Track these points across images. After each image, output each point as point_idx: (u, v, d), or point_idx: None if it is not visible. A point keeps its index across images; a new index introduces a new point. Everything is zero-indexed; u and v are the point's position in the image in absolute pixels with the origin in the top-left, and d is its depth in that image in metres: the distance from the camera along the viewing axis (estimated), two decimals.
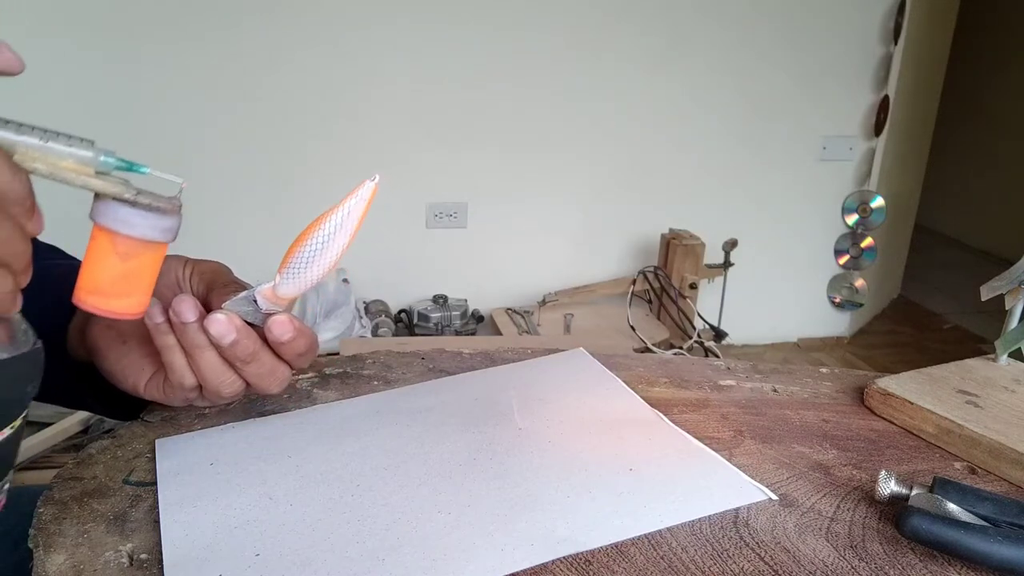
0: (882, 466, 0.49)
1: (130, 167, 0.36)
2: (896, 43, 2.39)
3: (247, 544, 0.39)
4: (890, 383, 0.57)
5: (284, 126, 2.13)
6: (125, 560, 0.39)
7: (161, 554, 0.39)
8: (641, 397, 0.57)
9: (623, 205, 2.42)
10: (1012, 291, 0.58)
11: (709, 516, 0.43)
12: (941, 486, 0.41)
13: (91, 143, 0.34)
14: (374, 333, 2.15)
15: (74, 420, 1.78)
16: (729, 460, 0.48)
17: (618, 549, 0.40)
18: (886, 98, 2.42)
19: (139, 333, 0.47)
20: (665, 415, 0.54)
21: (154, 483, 0.45)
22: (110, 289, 0.37)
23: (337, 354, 0.66)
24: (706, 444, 0.50)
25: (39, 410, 1.78)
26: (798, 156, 2.49)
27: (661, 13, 2.25)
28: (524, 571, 0.38)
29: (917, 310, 3.11)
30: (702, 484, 0.45)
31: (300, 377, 0.59)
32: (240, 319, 0.43)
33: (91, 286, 0.37)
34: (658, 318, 2.23)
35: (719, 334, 2.28)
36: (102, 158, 0.34)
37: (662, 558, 0.39)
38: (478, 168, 2.28)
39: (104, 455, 0.48)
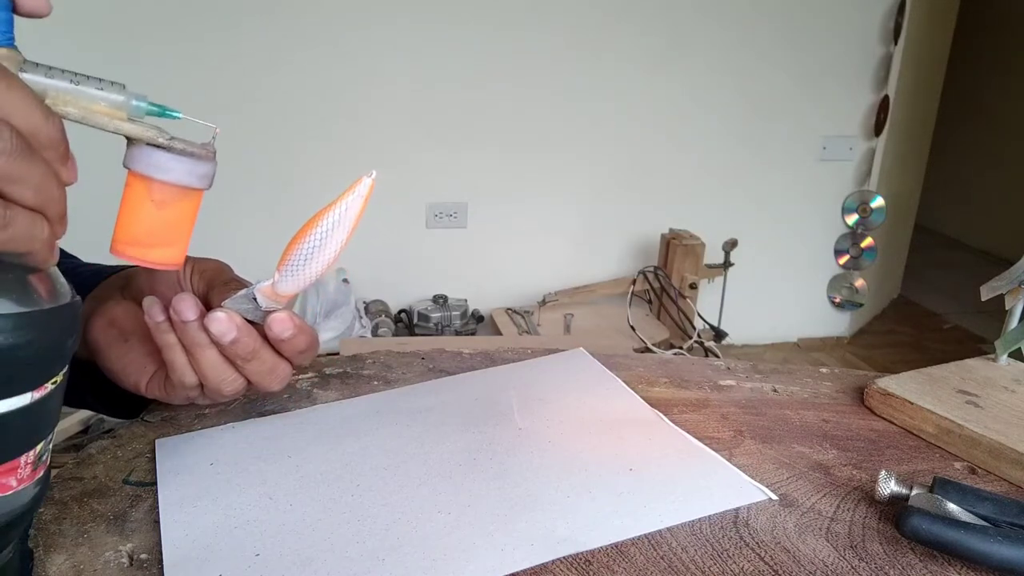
0: (882, 466, 0.49)
1: (162, 112, 0.35)
2: (896, 43, 2.39)
3: (247, 544, 0.39)
4: (890, 383, 0.57)
5: (284, 126, 2.13)
6: (125, 560, 0.39)
7: (161, 554, 0.39)
8: (641, 397, 0.57)
9: (623, 205, 2.42)
10: (1012, 291, 0.57)
11: (709, 516, 0.42)
12: (941, 486, 0.41)
13: (122, 87, 0.33)
14: (374, 333, 2.15)
15: (74, 420, 1.78)
16: (729, 460, 0.48)
17: (618, 549, 0.40)
18: (886, 98, 2.42)
19: (140, 332, 0.47)
20: (665, 415, 0.54)
21: (154, 483, 0.45)
22: (147, 239, 0.36)
23: (337, 354, 0.66)
24: (706, 444, 0.50)
25: None
26: (798, 156, 2.49)
27: (661, 13, 2.26)
28: (524, 571, 0.38)
29: (917, 310, 3.11)
30: (702, 484, 0.45)
31: (300, 377, 0.59)
32: (240, 317, 0.43)
33: (128, 237, 0.36)
34: (658, 318, 2.23)
35: (719, 334, 2.28)
36: (134, 102, 0.34)
37: (662, 558, 0.39)
38: (478, 168, 2.28)
39: (104, 455, 0.48)
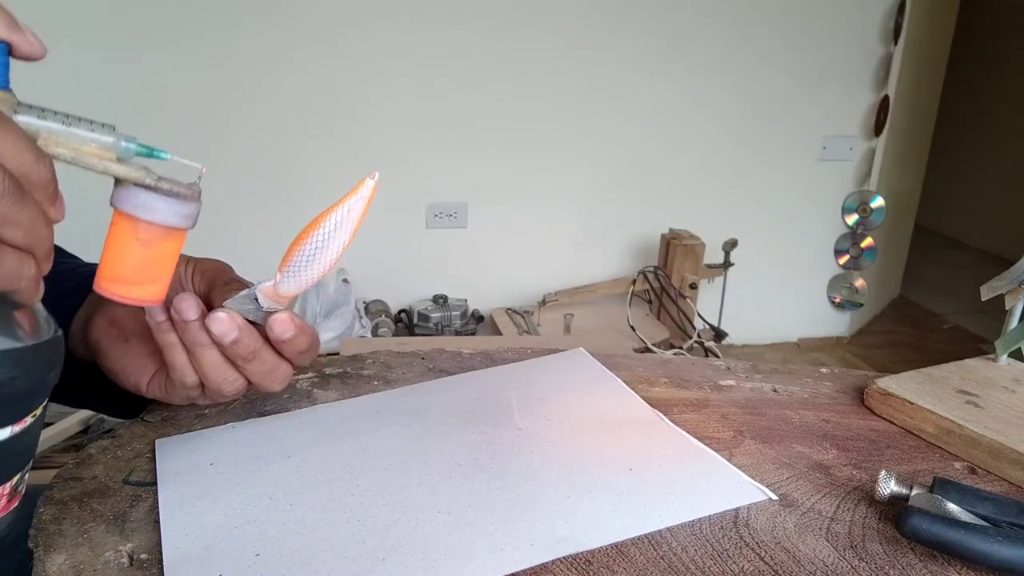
0: (882, 466, 0.49)
1: (150, 152, 0.36)
2: (896, 43, 2.39)
3: (247, 544, 0.39)
4: (890, 383, 0.57)
5: (284, 126, 2.13)
6: (125, 560, 0.39)
7: (161, 554, 0.39)
8: (641, 397, 0.57)
9: (623, 205, 2.42)
10: (1012, 291, 0.58)
11: (709, 516, 0.43)
12: (941, 486, 0.41)
13: (112, 128, 0.34)
14: (374, 333, 2.15)
15: (74, 420, 1.78)
16: (729, 460, 0.48)
17: (618, 549, 0.40)
18: (886, 98, 2.42)
19: (141, 331, 0.47)
20: (665, 415, 0.54)
21: (154, 483, 0.45)
22: (132, 277, 0.37)
23: (337, 354, 0.66)
24: (706, 444, 0.50)
25: None
26: (798, 156, 2.49)
27: (661, 13, 2.25)
28: (524, 571, 0.38)
29: (917, 310, 3.11)
30: (702, 484, 0.45)
31: (300, 377, 0.59)
32: (241, 317, 0.43)
33: (113, 274, 0.37)
34: (658, 318, 2.23)
35: (719, 334, 2.28)
36: (123, 143, 0.34)
37: (662, 558, 0.39)
38: (478, 168, 2.28)
39: (104, 455, 0.48)
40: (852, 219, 2.48)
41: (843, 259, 2.55)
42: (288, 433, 0.51)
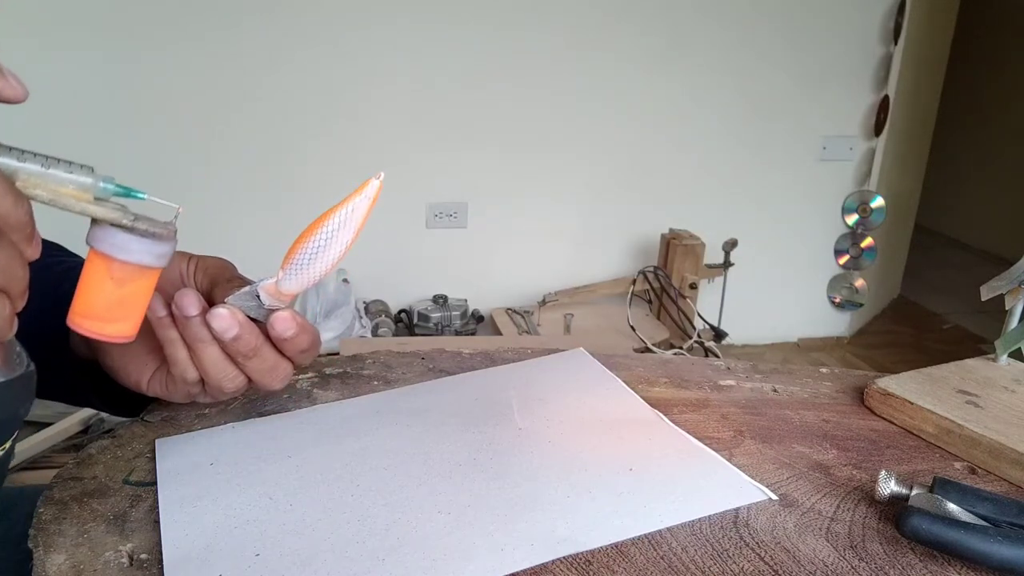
0: (882, 466, 0.49)
1: (128, 193, 0.36)
2: (896, 43, 2.39)
3: (247, 544, 0.39)
4: (890, 383, 0.57)
5: (284, 126, 2.13)
6: (125, 560, 0.39)
7: (161, 554, 0.39)
8: (641, 397, 0.57)
9: (623, 205, 2.42)
10: (1012, 291, 0.58)
11: (709, 516, 0.43)
12: (941, 486, 0.41)
13: (91, 169, 0.35)
14: (374, 333, 2.15)
15: (74, 420, 1.78)
16: (729, 460, 0.48)
17: (618, 549, 0.40)
18: (886, 98, 2.42)
19: (142, 329, 0.47)
20: (665, 415, 0.54)
21: (154, 483, 0.45)
22: (105, 314, 0.38)
23: (337, 354, 0.66)
24: (706, 444, 0.50)
25: (40, 410, 1.78)
26: (798, 156, 2.49)
27: (661, 13, 2.25)
28: (524, 571, 0.38)
29: (917, 310, 3.11)
30: (702, 484, 0.45)
31: (300, 377, 0.59)
32: (243, 314, 0.43)
33: (86, 311, 0.38)
34: (658, 318, 2.23)
35: (719, 334, 2.28)
36: (101, 184, 0.35)
37: (662, 558, 0.39)
38: (478, 168, 2.28)
39: (104, 455, 0.48)
40: (852, 219, 2.48)
41: (843, 259, 2.54)
42: (288, 433, 0.51)
